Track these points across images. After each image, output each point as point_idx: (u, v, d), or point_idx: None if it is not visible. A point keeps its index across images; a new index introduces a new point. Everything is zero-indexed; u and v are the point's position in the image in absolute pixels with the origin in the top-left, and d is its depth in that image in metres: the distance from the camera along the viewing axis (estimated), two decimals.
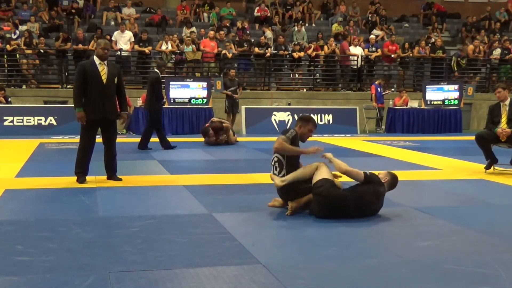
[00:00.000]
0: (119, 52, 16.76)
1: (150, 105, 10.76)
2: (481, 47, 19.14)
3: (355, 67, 18.05)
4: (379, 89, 16.03)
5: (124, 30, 17.15)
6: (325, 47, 18.12)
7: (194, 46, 17.15)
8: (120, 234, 4.76)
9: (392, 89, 17.04)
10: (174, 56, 17.16)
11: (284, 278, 3.71)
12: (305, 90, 17.87)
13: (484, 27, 22.05)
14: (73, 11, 19.69)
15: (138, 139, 10.64)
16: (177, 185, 7.14)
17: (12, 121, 13.74)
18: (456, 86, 16.04)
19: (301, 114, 6.21)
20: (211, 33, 17.72)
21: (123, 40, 16.93)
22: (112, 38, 16.84)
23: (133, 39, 17.10)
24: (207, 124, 12.08)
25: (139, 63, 17.69)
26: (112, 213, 5.56)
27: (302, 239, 4.74)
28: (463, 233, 4.99)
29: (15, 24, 17.90)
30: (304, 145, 5.90)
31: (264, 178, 7.75)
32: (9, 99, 14.75)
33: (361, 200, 5.35)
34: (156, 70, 10.95)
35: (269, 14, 21.04)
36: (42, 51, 17.05)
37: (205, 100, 14.68)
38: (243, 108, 14.96)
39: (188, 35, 17.85)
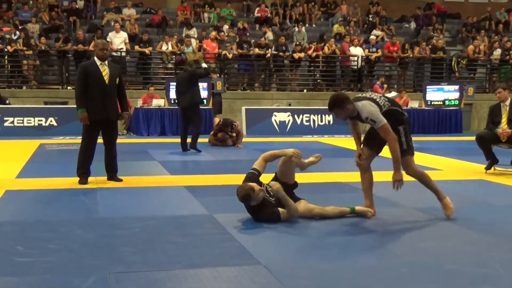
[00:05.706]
0: (115, 52, 16.61)
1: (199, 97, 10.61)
2: (481, 47, 19.14)
3: (356, 67, 18.05)
4: (381, 88, 16.04)
5: (119, 30, 17.11)
6: (326, 48, 18.11)
7: (194, 46, 17.14)
8: (121, 235, 4.76)
9: (395, 93, 17.03)
10: (174, 56, 17.15)
11: (284, 278, 3.71)
12: (305, 90, 17.86)
13: (484, 27, 22.04)
14: (74, 12, 19.68)
15: (138, 140, 10.55)
16: (177, 185, 7.14)
17: (12, 122, 13.74)
18: (457, 87, 16.03)
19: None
20: (213, 33, 17.72)
21: (118, 41, 16.87)
22: (108, 39, 16.78)
23: (127, 40, 17.05)
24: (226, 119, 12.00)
25: (139, 63, 17.69)
26: (113, 213, 5.57)
27: (302, 239, 4.74)
28: (463, 233, 4.99)
29: (15, 25, 17.90)
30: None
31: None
32: (7, 101, 14.74)
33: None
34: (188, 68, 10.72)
35: (269, 15, 21.03)
36: (43, 48, 17.00)
37: (205, 100, 14.69)
38: (243, 108, 14.96)
39: (187, 37, 17.84)
